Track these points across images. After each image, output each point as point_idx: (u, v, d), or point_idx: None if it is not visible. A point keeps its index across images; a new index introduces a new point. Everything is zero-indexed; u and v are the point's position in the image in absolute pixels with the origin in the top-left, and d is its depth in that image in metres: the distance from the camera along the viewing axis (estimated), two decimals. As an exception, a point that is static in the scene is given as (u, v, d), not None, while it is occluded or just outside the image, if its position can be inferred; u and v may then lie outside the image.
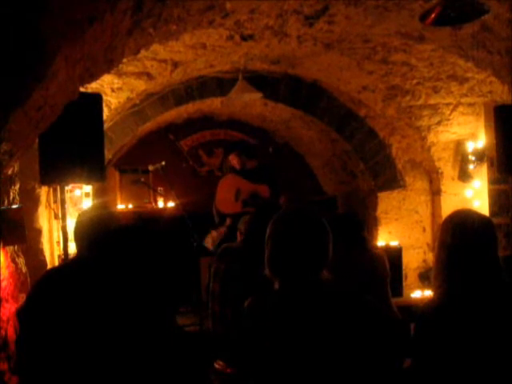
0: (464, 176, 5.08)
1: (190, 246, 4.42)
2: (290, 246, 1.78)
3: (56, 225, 3.79)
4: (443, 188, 5.26)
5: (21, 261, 2.70)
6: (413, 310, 3.94)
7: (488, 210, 4.74)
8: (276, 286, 1.82)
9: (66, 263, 3.00)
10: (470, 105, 4.89)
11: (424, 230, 5.58)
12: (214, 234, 5.05)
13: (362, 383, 1.71)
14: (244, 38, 3.84)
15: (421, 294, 4.70)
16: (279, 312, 1.75)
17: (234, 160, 5.26)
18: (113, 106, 4.38)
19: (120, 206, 5.47)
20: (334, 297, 1.78)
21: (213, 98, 5.36)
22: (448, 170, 5.22)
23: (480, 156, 4.89)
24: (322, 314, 1.72)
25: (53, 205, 3.71)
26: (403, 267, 5.08)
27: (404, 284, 5.01)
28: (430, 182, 5.51)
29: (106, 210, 2.50)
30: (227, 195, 5.13)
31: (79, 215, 2.50)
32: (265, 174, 5.23)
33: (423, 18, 2.84)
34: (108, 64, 2.48)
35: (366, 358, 1.72)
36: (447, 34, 3.57)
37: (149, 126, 5.54)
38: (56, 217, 3.72)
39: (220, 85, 5.23)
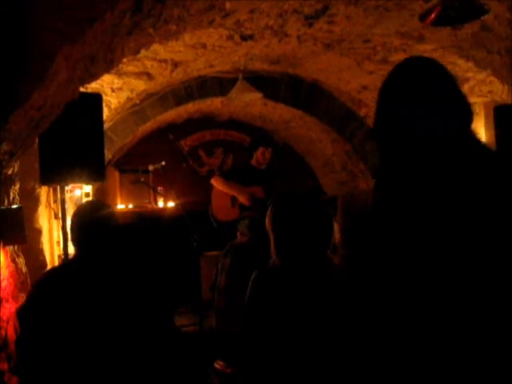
0: (464, 176, 5.07)
1: (190, 246, 4.42)
2: (295, 227, 1.83)
3: (56, 225, 3.78)
4: (443, 188, 5.26)
5: (21, 261, 2.70)
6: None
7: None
8: (278, 262, 1.85)
9: (66, 263, 3.00)
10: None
11: (424, 229, 5.57)
12: None
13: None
14: (244, 38, 3.84)
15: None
16: (282, 290, 1.77)
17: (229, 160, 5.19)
18: (113, 106, 4.38)
19: (120, 206, 5.47)
20: (337, 278, 1.81)
21: (213, 97, 5.36)
22: (448, 169, 5.21)
23: (480, 156, 4.89)
24: (322, 292, 1.74)
25: (53, 205, 3.71)
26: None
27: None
28: (430, 181, 5.51)
29: (105, 210, 2.49)
30: (223, 203, 4.98)
31: (75, 212, 2.48)
32: (258, 174, 5.11)
33: (423, 17, 2.84)
34: (108, 64, 2.48)
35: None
36: (447, 33, 3.57)
37: (149, 126, 5.54)
38: (56, 217, 3.72)
39: (220, 85, 5.22)
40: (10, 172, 2.54)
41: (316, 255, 1.82)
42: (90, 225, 2.31)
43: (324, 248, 1.84)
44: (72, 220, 2.41)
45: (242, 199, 4.83)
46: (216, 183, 4.92)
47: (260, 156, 4.87)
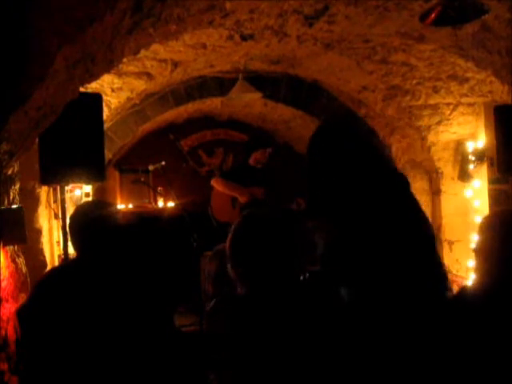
0: (464, 176, 5.07)
1: (190, 246, 4.42)
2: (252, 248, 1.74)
3: (56, 225, 3.79)
4: (443, 188, 5.26)
5: (21, 261, 2.69)
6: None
7: (488, 210, 4.74)
8: (240, 288, 1.75)
9: (67, 263, 3.00)
10: (470, 105, 4.89)
11: (424, 229, 5.57)
12: None
13: None
14: (244, 38, 3.84)
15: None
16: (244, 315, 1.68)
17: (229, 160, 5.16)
18: (113, 106, 4.38)
19: (120, 206, 5.46)
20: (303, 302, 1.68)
21: (213, 97, 5.37)
22: (448, 169, 5.21)
23: (480, 156, 4.89)
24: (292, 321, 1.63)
25: (53, 205, 3.71)
26: (403, 267, 5.06)
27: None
28: (430, 181, 5.50)
29: (106, 209, 2.49)
30: (223, 204, 4.91)
31: (75, 211, 2.47)
32: (258, 175, 4.90)
33: (423, 17, 2.84)
34: (108, 64, 2.48)
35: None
36: (447, 33, 3.57)
37: (149, 125, 5.54)
38: (56, 217, 3.72)
39: (220, 85, 5.23)
40: (9, 172, 2.54)
41: (280, 280, 1.68)
42: (91, 225, 2.31)
43: (288, 271, 1.70)
44: (72, 220, 2.40)
45: (243, 200, 4.82)
46: (216, 184, 4.89)
47: (260, 156, 4.84)
